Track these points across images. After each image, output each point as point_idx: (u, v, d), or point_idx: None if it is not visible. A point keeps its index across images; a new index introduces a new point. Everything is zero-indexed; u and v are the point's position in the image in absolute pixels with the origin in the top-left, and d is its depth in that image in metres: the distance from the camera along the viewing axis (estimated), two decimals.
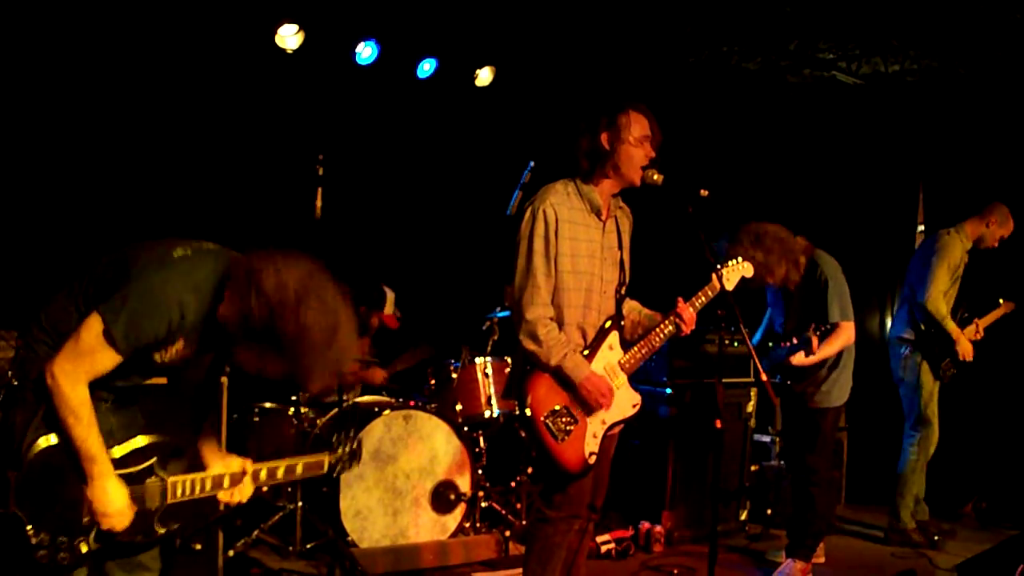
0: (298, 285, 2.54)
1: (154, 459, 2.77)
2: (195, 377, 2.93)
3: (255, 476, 2.98)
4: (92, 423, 2.59)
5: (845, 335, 4.98)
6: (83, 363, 2.56)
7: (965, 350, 5.77)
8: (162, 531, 2.81)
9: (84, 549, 2.67)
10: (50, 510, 2.61)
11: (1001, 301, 5.98)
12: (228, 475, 2.92)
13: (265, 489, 3.06)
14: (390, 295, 6.34)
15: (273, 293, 2.51)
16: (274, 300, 2.50)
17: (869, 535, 6.21)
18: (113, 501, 2.63)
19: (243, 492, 2.95)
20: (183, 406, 2.95)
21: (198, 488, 2.85)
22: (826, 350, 4.92)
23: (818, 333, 4.83)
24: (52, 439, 2.60)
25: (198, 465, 2.92)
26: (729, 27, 6.92)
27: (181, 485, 2.82)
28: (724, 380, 5.96)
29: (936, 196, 7.89)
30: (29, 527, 2.57)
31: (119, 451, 2.72)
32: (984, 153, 7.35)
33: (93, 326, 2.55)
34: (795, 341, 4.92)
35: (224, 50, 6.11)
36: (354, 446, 3.19)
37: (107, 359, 2.58)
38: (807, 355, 4.89)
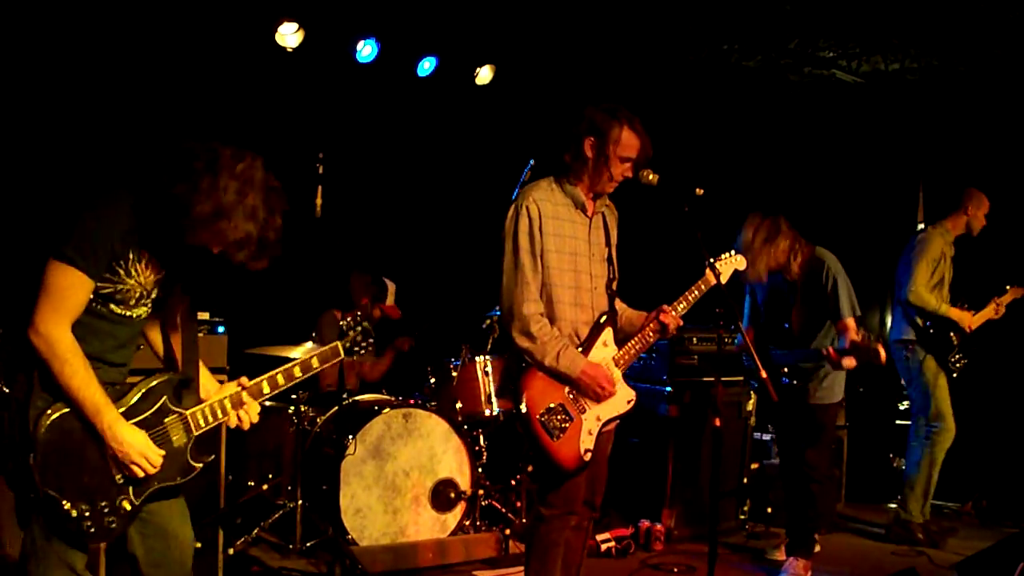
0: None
1: (164, 398, 2.78)
2: (176, 313, 2.96)
3: (272, 384, 2.96)
4: (87, 370, 2.59)
5: (852, 330, 5.00)
6: (57, 303, 2.57)
7: (965, 322, 5.78)
8: (199, 464, 2.84)
9: (128, 507, 2.69)
10: (79, 480, 2.61)
11: (1008, 287, 5.99)
12: (243, 392, 2.91)
13: (280, 395, 3.07)
14: (391, 286, 6.36)
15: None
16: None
17: (869, 533, 6.21)
18: (132, 444, 2.64)
19: (252, 411, 2.95)
20: (176, 342, 2.97)
21: (219, 413, 2.87)
22: (848, 361, 4.91)
23: (836, 350, 4.87)
24: (56, 410, 2.59)
25: (206, 395, 2.93)
26: (729, 25, 6.92)
27: (202, 414, 2.84)
28: (723, 379, 5.96)
29: (936, 195, 7.89)
30: (65, 503, 2.57)
31: (127, 400, 2.72)
32: (984, 152, 7.35)
33: (51, 264, 2.58)
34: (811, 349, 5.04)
35: (224, 48, 6.11)
36: (365, 324, 3.18)
37: (77, 287, 2.59)
38: (835, 367, 4.94)
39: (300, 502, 5.01)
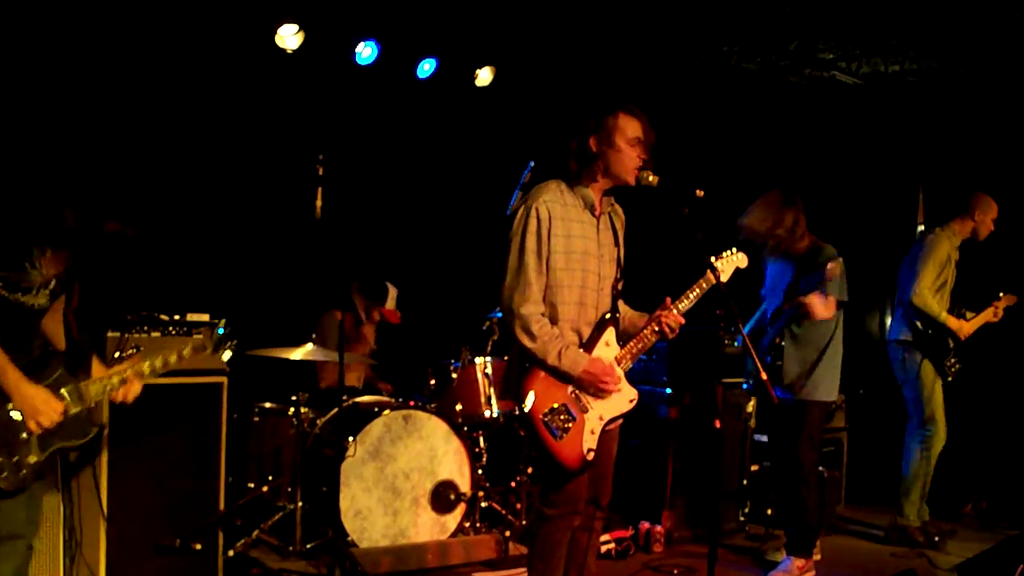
0: None
1: (60, 372, 3.12)
2: (69, 308, 3.32)
3: (151, 366, 3.32)
4: None
5: (830, 308, 5.04)
6: None
7: (965, 333, 5.78)
8: (94, 430, 3.24)
9: (33, 460, 3.02)
10: None
11: (1001, 295, 5.99)
12: (131, 370, 3.27)
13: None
14: (392, 291, 6.36)
15: None
16: None
17: (869, 535, 6.21)
18: (35, 398, 2.99)
19: (133, 389, 3.28)
20: (61, 332, 3.32)
21: (108, 387, 3.22)
22: (815, 300, 4.99)
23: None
24: None
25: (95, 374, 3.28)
26: (729, 27, 6.92)
27: (94, 385, 3.18)
28: (724, 380, 5.97)
29: (936, 196, 7.89)
30: None
31: (35, 377, 3.05)
32: (984, 153, 7.35)
33: None
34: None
35: (224, 50, 6.11)
36: (225, 327, 3.63)
37: None
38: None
39: (300, 504, 5.01)
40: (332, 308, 6.12)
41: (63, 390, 3.10)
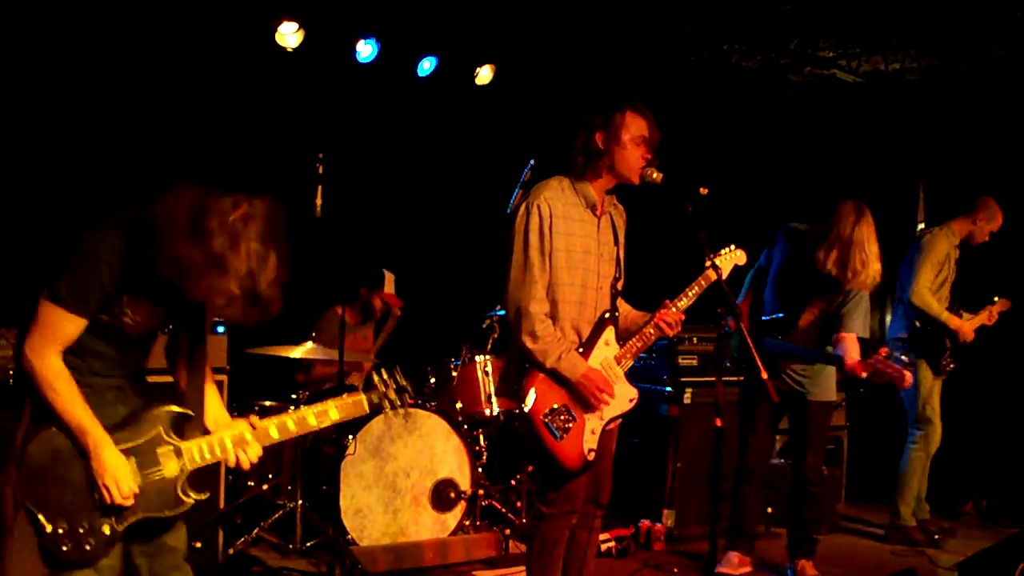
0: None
1: (159, 428, 2.74)
2: (183, 345, 2.92)
3: (282, 429, 2.90)
4: (74, 394, 2.60)
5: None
6: (46, 334, 2.59)
7: (965, 333, 5.77)
8: (190, 500, 2.78)
9: (107, 531, 2.65)
10: (60, 499, 2.60)
11: (996, 299, 5.98)
12: (246, 432, 2.86)
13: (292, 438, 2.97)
14: (389, 276, 6.36)
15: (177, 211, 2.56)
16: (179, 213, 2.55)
17: (869, 533, 6.21)
18: (115, 468, 2.61)
19: (252, 452, 2.88)
20: (183, 375, 2.93)
21: (217, 450, 2.81)
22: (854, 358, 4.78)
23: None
24: (45, 428, 2.61)
25: (213, 428, 2.89)
26: (729, 25, 6.92)
27: (198, 448, 2.78)
28: (724, 378, 5.94)
29: (937, 194, 7.89)
30: (41, 517, 2.56)
31: (128, 433, 2.71)
32: (984, 151, 7.35)
33: (43, 301, 2.60)
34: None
35: (224, 48, 6.11)
36: (401, 380, 3.06)
37: (66, 323, 2.60)
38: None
39: (300, 502, 5.01)
40: (334, 305, 6.11)
41: (159, 450, 2.74)
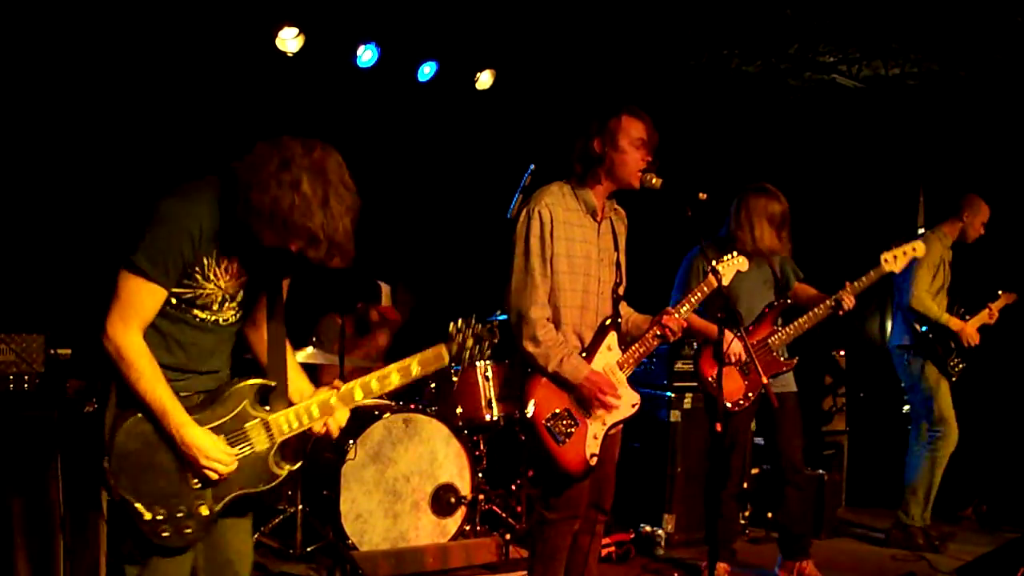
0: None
1: (245, 402, 2.70)
2: (261, 317, 2.87)
3: (365, 389, 2.82)
4: (156, 374, 2.55)
5: None
6: (127, 311, 2.54)
7: (969, 335, 5.77)
8: (283, 471, 2.74)
9: (205, 512, 2.62)
10: (154, 485, 2.57)
11: (1000, 293, 5.98)
12: (331, 398, 2.79)
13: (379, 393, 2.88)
14: (385, 288, 6.35)
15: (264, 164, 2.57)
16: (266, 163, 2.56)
17: (870, 537, 6.21)
18: (203, 447, 2.57)
19: (341, 417, 2.81)
20: (263, 346, 2.88)
21: (305, 418, 2.76)
22: None
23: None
24: (131, 415, 2.56)
25: (298, 398, 2.83)
26: (729, 30, 6.93)
27: (285, 419, 2.74)
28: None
29: (937, 199, 7.88)
30: (139, 506, 2.53)
31: (206, 405, 2.67)
32: (984, 156, 7.36)
33: (123, 272, 2.55)
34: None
35: (225, 53, 6.11)
36: (478, 327, 3.01)
37: (147, 295, 2.55)
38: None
39: (300, 507, 5.01)
40: (331, 312, 6.11)
41: (247, 425, 2.68)
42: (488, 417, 5.57)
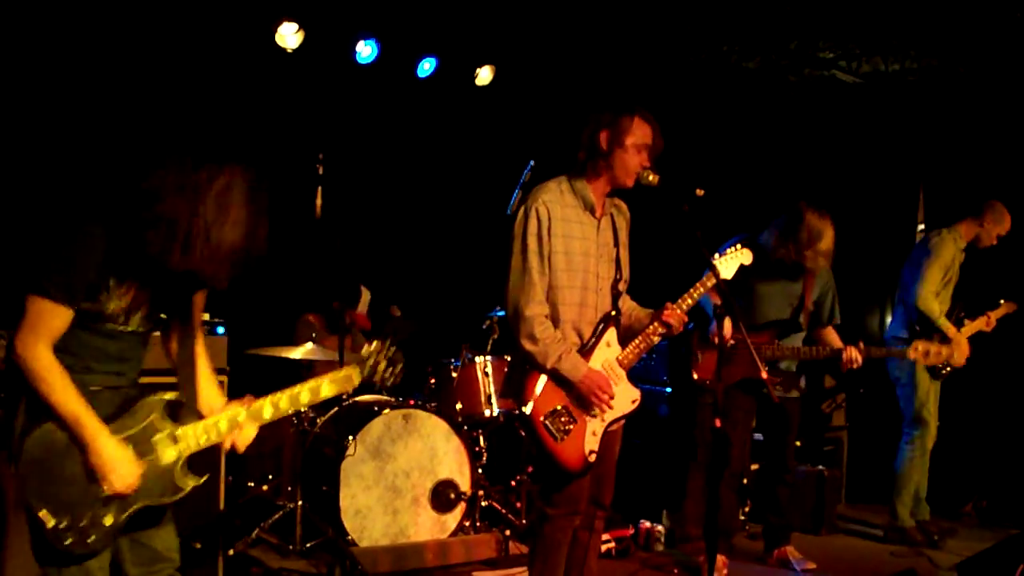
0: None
1: (153, 415, 2.73)
2: (174, 330, 2.93)
3: (274, 408, 2.86)
4: (67, 386, 2.59)
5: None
6: (35, 328, 2.59)
7: (958, 349, 5.73)
8: (189, 485, 2.78)
9: (109, 522, 2.64)
10: (60, 493, 2.59)
11: (1002, 302, 5.97)
12: (240, 415, 2.83)
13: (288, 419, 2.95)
14: (365, 294, 6.33)
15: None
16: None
17: (869, 534, 6.21)
18: (112, 458, 2.60)
19: (247, 434, 2.86)
20: (179, 361, 2.92)
21: (213, 434, 2.80)
22: None
23: None
24: (40, 424, 2.60)
25: (208, 412, 2.87)
26: (729, 26, 6.92)
27: (193, 433, 2.77)
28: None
29: (936, 196, 7.89)
30: (42, 513, 2.56)
31: (122, 422, 2.69)
32: (984, 153, 7.35)
33: (28, 296, 2.60)
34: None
35: (224, 49, 6.11)
36: (392, 350, 3.04)
37: (53, 315, 2.60)
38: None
39: (300, 503, 5.01)
40: (306, 312, 6.07)
41: (155, 439, 2.72)
42: (488, 413, 5.58)
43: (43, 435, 2.60)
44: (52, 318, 2.60)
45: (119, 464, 2.61)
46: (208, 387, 2.93)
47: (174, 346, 2.95)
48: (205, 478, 2.82)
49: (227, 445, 2.84)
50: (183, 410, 2.81)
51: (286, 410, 2.88)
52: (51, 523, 2.57)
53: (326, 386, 2.92)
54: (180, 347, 2.91)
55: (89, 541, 2.61)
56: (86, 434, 2.58)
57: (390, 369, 3.04)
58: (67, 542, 2.58)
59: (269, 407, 2.85)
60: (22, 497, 2.57)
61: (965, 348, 5.75)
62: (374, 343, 3.03)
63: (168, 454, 2.74)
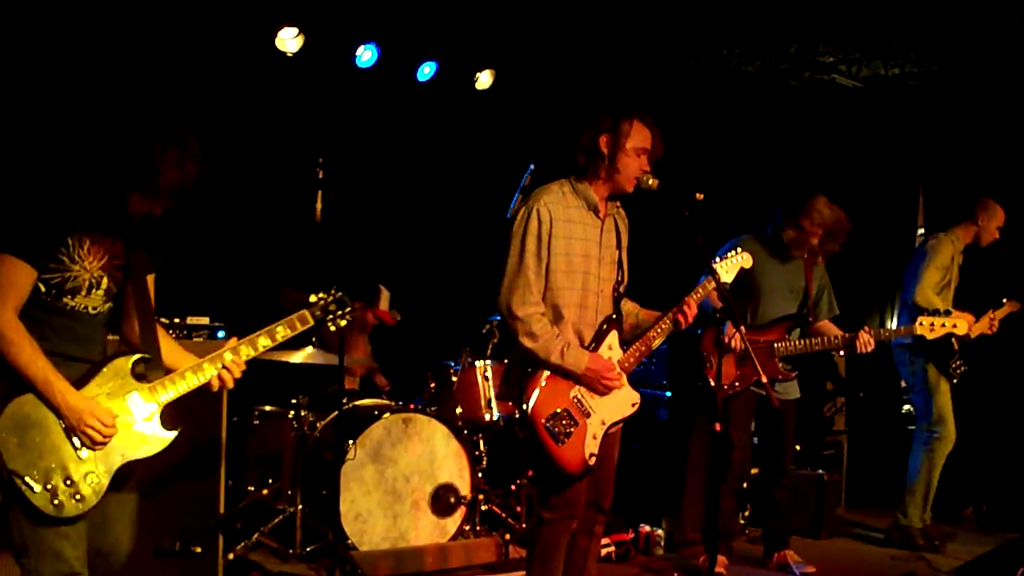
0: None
1: (124, 374, 2.88)
2: (131, 298, 3.06)
3: (235, 352, 3.05)
4: (34, 347, 2.71)
5: None
6: (5, 291, 2.71)
7: (963, 322, 5.70)
8: (167, 437, 2.94)
9: (94, 480, 2.77)
10: (41, 458, 2.71)
11: (1005, 300, 5.97)
12: (209, 361, 3.00)
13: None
14: (385, 293, 6.34)
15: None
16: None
17: (869, 537, 6.21)
18: (84, 410, 2.73)
19: (234, 373, 3.04)
20: (134, 332, 3.07)
21: (186, 382, 2.97)
22: None
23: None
24: (14, 393, 2.70)
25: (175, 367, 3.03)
26: (729, 30, 6.93)
27: (168, 383, 2.94)
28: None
29: (936, 199, 7.90)
30: (28, 479, 2.66)
31: (94, 384, 2.83)
32: (984, 156, 7.36)
33: None
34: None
35: (225, 53, 6.11)
36: (339, 293, 3.27)
37: (20, 276, 2.73)
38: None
39: (300, 507, 5.00)
40: (286, 287, 6.06)
41: (127, 395, 2.86)
42: (488, 417, 5.58)
43: (19, 404, 2.70)
44: (17, 277, 2.71)
45: (91, 417, 2.74)
46: (169, 345, 3.09)
47: (130, 327, 3.08)
48: (179, 431, 2.97)
49: (215, 385, 3.02)
50: (149, 367, 2.95)
51: (248, 354, 3.06)
52: (38, 488, 2.68)
53: (280, 328, 3.14)
54: (139, 318, 3.03)
55: (76, 500, 2.73)
56: (55, 391, 2.71)
57: (340, 310, 3.25)
58: (56, 503, 2.69)
59: (228, 353, 3.03)
60: (5, 469, 2.66)
61: (969, 317, 5.74)
62: (320, 292, 3.26)
63: (142, 408, 2.89)
